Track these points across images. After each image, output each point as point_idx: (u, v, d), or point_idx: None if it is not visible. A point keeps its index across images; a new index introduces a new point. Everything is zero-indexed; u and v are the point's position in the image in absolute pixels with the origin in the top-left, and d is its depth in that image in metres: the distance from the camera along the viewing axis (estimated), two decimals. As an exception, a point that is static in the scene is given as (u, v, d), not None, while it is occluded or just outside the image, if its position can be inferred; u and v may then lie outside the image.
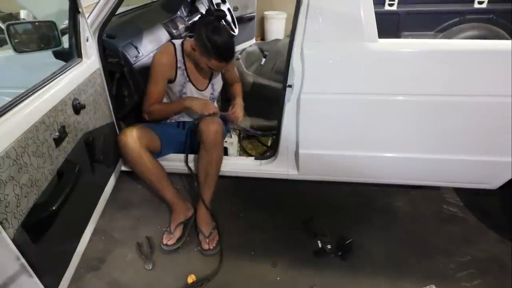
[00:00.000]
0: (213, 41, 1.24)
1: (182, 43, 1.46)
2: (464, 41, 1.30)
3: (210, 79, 1.55)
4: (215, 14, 1.34)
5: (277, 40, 2.56)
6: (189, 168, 1.56)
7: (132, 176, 1.79)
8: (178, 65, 1.44)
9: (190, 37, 1.52)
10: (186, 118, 1.61)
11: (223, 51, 1.27)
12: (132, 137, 1.34)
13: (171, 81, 1.46)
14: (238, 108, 1.57)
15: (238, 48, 2.80)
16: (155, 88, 1.45)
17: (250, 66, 2.24)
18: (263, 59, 2.29)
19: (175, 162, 1.59)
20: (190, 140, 1.54)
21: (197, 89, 1.52)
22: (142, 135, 1.37)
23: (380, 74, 1.22)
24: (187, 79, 1.47)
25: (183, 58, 1.45)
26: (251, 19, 2.97)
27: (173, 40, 1.50)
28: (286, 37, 3.54)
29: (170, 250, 1.43)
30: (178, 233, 1.47)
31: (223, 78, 1.64)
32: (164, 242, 1.44)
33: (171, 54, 1.43)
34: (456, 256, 1.41)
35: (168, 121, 1.60)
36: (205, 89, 1.54)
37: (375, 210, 1.65)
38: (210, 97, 1.58)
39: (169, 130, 1.55)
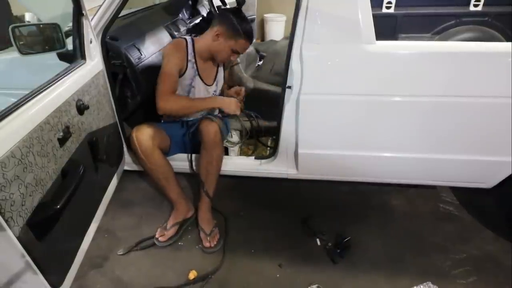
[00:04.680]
0: (243, 27, 1.41)
1: (193, 40, 1.49)
2: (459, 43, 1.33)
3: (215, 77, 1.58)
4: (237, 1, 1.47)
5: (273, 42, 2.58)
6: (192, 168, 1.58)
7: (134, 175, 1.81)
8: (189, 58, 1.47)
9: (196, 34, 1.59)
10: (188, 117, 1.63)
11: (251, 34, 1.46)
12: (146, 134, 1.36)
13: (181, 74, 1.47)
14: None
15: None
16: (169, 72, 1.41)
17: (247, 67, 2.26)
18: (258, 59, 2.31)
19: (178, 161, 1.61)
20: (193, 140, 1.56)
21: (205, 83, 1.54)
22: (155, 133, 1.39)
23: (378, 76, 1.24)
24: (196, 72, 1.50)
25: (194, 54, 1.48)
26: (251, 21, 2.99)
27: (184, 37, 1.52)
28: (283, 38, 3.57)
29: (171, 248, 1.47)
30: (172, 231, 1.51)
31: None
32: (157, 236, 1.50)
33: (183, 46, 1.47)
34: (452, 253, 1.43)
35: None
36: (212, 84, 1.57)
37: (373, 209, 1.68)
38: (213, 94, 1.61)
39: (177, 130, 1.56)
